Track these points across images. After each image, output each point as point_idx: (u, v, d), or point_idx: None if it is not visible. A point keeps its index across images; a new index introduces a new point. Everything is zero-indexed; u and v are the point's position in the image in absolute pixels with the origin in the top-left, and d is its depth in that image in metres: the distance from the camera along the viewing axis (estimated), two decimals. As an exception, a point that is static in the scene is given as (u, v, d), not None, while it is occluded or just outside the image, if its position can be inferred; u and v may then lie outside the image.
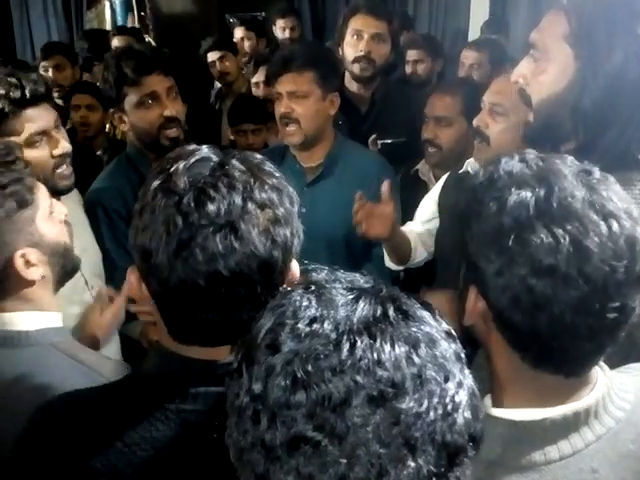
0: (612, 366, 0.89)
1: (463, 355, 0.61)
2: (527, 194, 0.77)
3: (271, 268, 0.80)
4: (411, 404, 0.54)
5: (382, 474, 0.53)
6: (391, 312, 0.59)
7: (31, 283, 1.16)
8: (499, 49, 3.24)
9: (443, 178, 2.06)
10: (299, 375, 0.55)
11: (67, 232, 1.25)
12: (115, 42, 4.15)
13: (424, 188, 2.26)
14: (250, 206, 0.78)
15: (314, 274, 0.65)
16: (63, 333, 1.21)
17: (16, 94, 1.46)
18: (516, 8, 4.25)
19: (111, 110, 1.96)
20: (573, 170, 0.80)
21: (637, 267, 0.76)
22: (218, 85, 3.95)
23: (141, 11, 6.17)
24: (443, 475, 0.55)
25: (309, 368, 0.55)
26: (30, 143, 1.50)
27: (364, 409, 0.53)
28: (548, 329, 0.77)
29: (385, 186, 1.80)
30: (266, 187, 0.81)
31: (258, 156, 0.86)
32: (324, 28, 5.61)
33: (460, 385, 0.58)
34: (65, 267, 1.25)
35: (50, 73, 3.61)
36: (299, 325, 0.58)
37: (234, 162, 0.81)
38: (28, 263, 1.15)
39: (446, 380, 0.57)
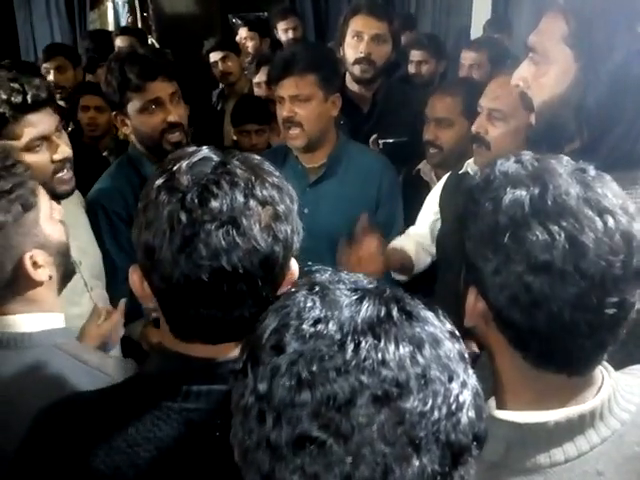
0: (615, 366, 0.89)
1: (467, 355, 0.62)
2: (522, 192, 0.78)
3: (272, 264, 0.82)
4: (415, 403, 0.54)
5: (387, 473, 0.53)
6: (395, 312, 0.59)
7: (38, 284, 1.18)
8: (499, 48, 3.23)
9: (443, 179, 2.06)
10: (304, 375, 0.55)
11: (65, 232, 1.26)
12: (118, 42, 4.15)
13: (426, 188, 2.26)
14: (252, 203, 0.80)
15: (318, 275, 0.66)
16: (66, 334, 1.22)
17: (17, 99, 1.47)
18: (519, 6, 4.23)
19: (114, 113, 1.97)
20: (568, 169, 0.81)
21: (634, 262, 0.77)
22: (221, 86, 3.94)
23: (144, 12, 6.18)
24: (447, 474, 0.55)
25: (314, 368, 0.55)
26: (30, 148, 1.51)
27: (369, 409, 0.54)
28: (547, 327, 0.77)
29: (362, 220, 1.78)
30: (267, 185, 0.83)
31: (258, 157, 0.89)
32: (327, 28, 5.60)
33: (464, 385, 0.58)
34: (67, 267, 1.26)
35: (52, 75, 3.62)
36: (303, 326, 0.58)
37: (235, 161, 0.84)
38: (36, 264, 1.16)
39: (450, 380, 0.57)
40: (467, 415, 0.57)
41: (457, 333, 0.63)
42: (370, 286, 0.64)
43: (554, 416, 0.81)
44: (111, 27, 6.06)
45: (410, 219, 2.15)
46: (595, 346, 0.80)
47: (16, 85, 1.47)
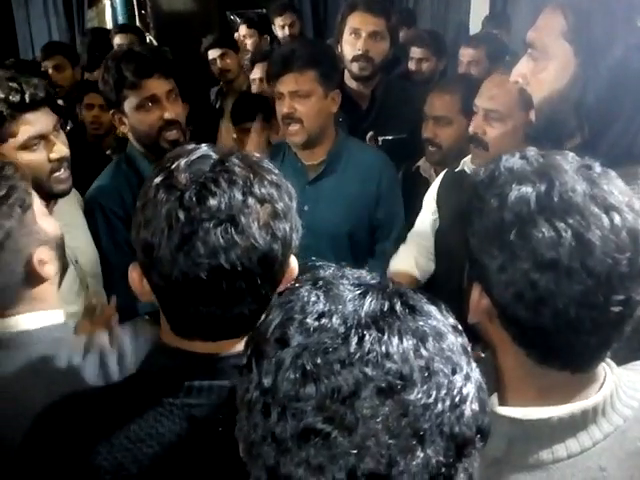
0: (619, 362, 0.89)
1: (469, 349, 0.62)
2: (528, 189, 0.78)
3: (271, 261, 0.82)
4: (419, 396, 0.55)
5: (392, 464, 0.54)
6: (398, 307, 0.60)
7: (45, 281, 1.18)
8: (497, 44, 3.22)
9: (439, 177, 2.05)
10: (308, 368, 0.56)
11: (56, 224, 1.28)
12: (117, 40, 4.13)
13: (425, 185, 2.26)
14: (250, 201, 0.80)
15: (321, 270, 0.66)
16: (65, 329, 1.22)
17: (15, 98, 1.48)
18: (517, 2, 4.22)
19: (111, 111, 1.97)
20: (574, 165, 0.81)
21: None
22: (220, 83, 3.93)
23: (142, 9, 6.16)
24: (452, 466, 0.56)
25: (318, 361, 0.56)
26: (27, 146, 1.53)
27: (373, 401, 0.54)
28: (552, 324, 0.77)
29: None
30: (265, 182, 0.83)
31: (257, 154, 0.89)
32: (325, 25, 5.60)
33: (467, 378, 0.59)
34: (64, 259, 1.27)
35: (50, 73, 3.60)
36: (307, 320, 0.59)
37: (234, 159, 0.84)
38: (42, 262, 1.17)
39: (454, 372, 0.58)
40: (471, 408, 0.57)
41: (460, 327, 0.64)
42: (373, 282, 0.64)
43: (557, 412, 0.81)
44: (109, 25, 6.05)
45: (409, 216, 2.15)
46: (599, 343, 0.80)
47: (14, 84, 1.49)
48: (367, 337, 0.57)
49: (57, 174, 1.58)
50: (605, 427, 0.83)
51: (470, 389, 0.58)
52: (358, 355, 0.56)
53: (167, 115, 1.88)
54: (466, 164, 1.92)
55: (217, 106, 3.80)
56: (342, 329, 0.57)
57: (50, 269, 1.18)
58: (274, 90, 2.05)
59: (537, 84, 1.23)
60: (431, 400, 0.55)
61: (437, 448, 0.55)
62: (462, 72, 3.12)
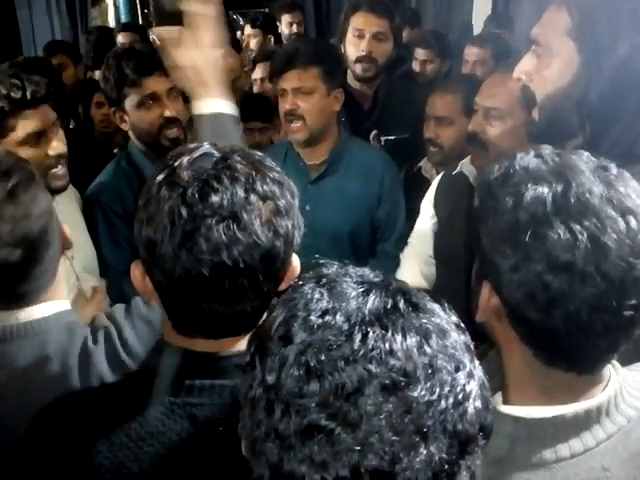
0: (624, 362, 0.89)
1: (472, 347, 0.62)
2: (544, 189, 0.77)
3: (273, 258, 0.83)
4: (423, 393, 0.55)
5: (395, 461, 0.54)
6: (402, 304, 0.60)
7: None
8: (502, 44, 3.20)
9: (436, 180, 2.04)
10: (312, 365, 0.56)
11: None
12: (120, 39, 4.14)
13: (427, 185, 2.26)
14: (252, 198, 0.81)
15: (325, 268, 0.67)
16: (74, 314, 1.24)
17: (17, 95, 1.52)
18: (519, 2, 4.21)
19: (112, 109, 1.98)
20: (590, 166, 0.80)
21: None
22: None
23: (145, 8, 6.16)
24: (455, 463, 0.56)
25: (322, 358, 0.56)
26: (26, 142, 1.57)
27: (377, 398, 0.55)
28: (563, 326, 0.76)
29: None
30: (268, 180, 0.84)
31: (258, 153, 0.89)
32: (327, 25, 5.59)
33: (471, 375, 0.59)
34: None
35: (54, 71, 3.60)
36: (311, 317, 0.59)
37: (236, 157, 0.84)
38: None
39: (457, 370, 0.58)
40: (474, 405, 0.58)
41: (462, 325, 0.64)
42: (376, 280, 0.64)
43: (560, 411, 0.81)
44: (112, 24, 6.05)
45: (411, 216, 2.15)
46: (608, 346, 0.80)
47: (16, 81, 1.53)
48: (371, 334, 0.57)
49: (54, 170, 1.61)
50: (609, 427, 0.83)
51: (473, 386, 0.58)
52: (362, 352, 0.56)
53: (168, 113, 1.89)
54: (464, 166, 1.91)
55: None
56: (346, 326, 0.58)
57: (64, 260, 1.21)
58: (277, 87, 2.05)
59: (540, 81, 1.23)
60: (434, 397, 0.55)
61: (440, 445, 0.55)
62: (467, 72, 3.10)
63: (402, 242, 2.11)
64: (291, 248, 0.86)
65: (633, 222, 0.75)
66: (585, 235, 0.73)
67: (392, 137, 2.52)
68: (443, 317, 0.62)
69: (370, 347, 0.56)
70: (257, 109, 2.87)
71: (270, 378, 0.58)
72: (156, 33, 1.29)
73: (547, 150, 0.83)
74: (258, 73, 3.29)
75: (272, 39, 4.21)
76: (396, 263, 2.10)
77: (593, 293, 0.74)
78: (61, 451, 0.87)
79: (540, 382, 0.83)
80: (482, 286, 0.84)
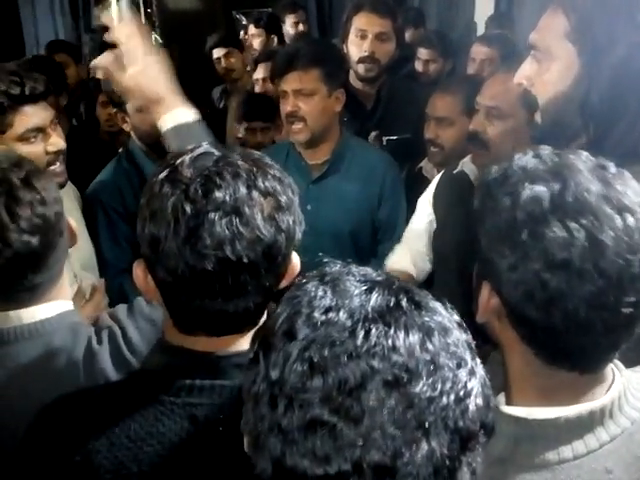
0: (628, 364, 0.89)
1: (474, 345, 0.63)
2: (541, 188, 0.78)
3: (275, 253, 0.84)
4: (425, 389, 0.56)
5: (397, 456, 0.55)
6: (404, 302, 0.61)
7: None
8: (509, 44, 3.18)
9: (436, 178, 2.04)
10: (316, 360, 0.57)
11: None
12: (122, 38, 4.13)
13: (428, 185, 2.24)
14: (254, 193, 0.82)
15: (328, 267, 0.68)
16: (77, 314, 1.24)
17: (16, 91, 1.54)
18: (522, 2, 4.20)
19: (114, 110, 2.00)
20: (588, 165, 0.81)
21: None
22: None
23: (147, 8, 6.16)
24: (456, 458, 0.57)
25: (325, 353, 0.57)
26: (25, 138, 1.58)
27: (379, 393, 0.55)
28: (562, 324, 0.77)
29: None
30: (269, 176, 0.85)
31: (257, 152, 0.91)
32: (330, 24, 5.59)
33: (472, 373, 0.60)
34: None
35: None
36: (314, 314, 0.60)
37: (236, 155, 0.86)
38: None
39: (458, 367, 0.59)
40: (475, 402, 0.58)
41: (464, 324, 0.65)
42: (379, 278, 0.65)
43: (563, 413, 0.82)
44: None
45: (412, 217, 2.13)
46: (609, 344, 0.80)
47: (15, 77, 1.55)
48: (374, 331, 0.58)
49: (53, 167, 1.63)
50: (612, 429, 0.83)
51: (474, 384, 0.59)
52: (365, 348, 0.57)
53: None
54: (465, 165, 1.91)
55: (221, 105, 3.80)
56: (349, 323, 0.59)
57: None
58: (278, 89, 2.06)
59: (542, 85, 1.23)
60: (436, 393, 0.56)
61: (441, 441, 0.56)
62: (474, 70, 3.07)
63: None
64: (292, 243, 0.87)
65: (630, 219, 0.75)
66: (582, 233, 0.74)
67: (394, 137, 2.53)
68: (445, 315, 0.63)
69: (373, 343, 0.57)
70: (259, 109, 2.88)
71: (274, 373, 0.59)
72: (92, 66, 1.32)
73: (546, 150, 0.84)
74: (260, 73, 3.30)
75: (275, 39, 4.20)
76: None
77: (591, 291, 0.75)
78: (61, 451, 0.87)
79: (542, 382, 0.84)
80: (482, 287, 0.84)
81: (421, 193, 2.16)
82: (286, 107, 2.01)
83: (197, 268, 0.80)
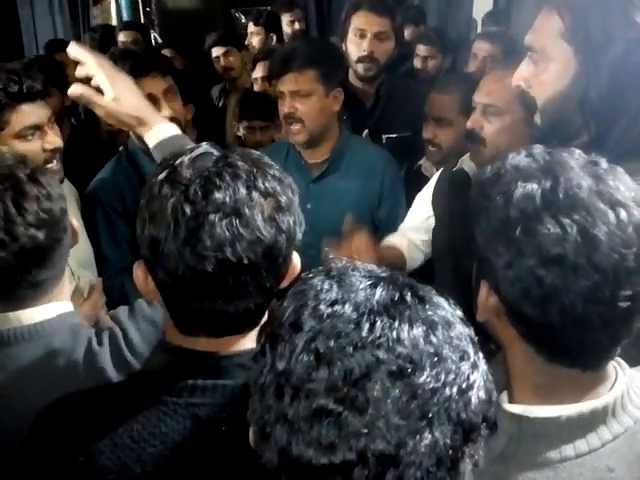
0: (630, 362, 0.90)
1: (476, 340, 0.65)
2: (533, 186, 0.80)
3: (276, 254, 0.84)
4: (428, 379, 0.58)
5: (401, 445, 0.56)
6: (409, 297, 0.63)
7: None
8: (511, 41, 3.16)
9: (435, 177, 2.04)
10: (322, 351, 0.59)
11: None
12: (121, 37, 4.14)
13: (427, 183, 2.24)
14: (254, 194, 0.83)
15: (333, 263, 0.69)
16: (77, 315, 1.24)
17: (14, 89, 1.56)
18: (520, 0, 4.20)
19: None
20: (580, 162, 0.83)
21: None
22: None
23: (147, 6, 6.17)
24: (458, 449, 0.59)
25: (331, 344, 0.59)
26: (22, 136, 1.61)
27: (384, 383, 0.57)
28: (560, 320, 0.78)
29: (348, 219, 1.79)
30: (268, 177, 0.86)
31: (256, 152, 0.92)
32: (329, 23, 5.58)
33: (475, 366, 0.61)
34: None
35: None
36: (320, 306, 0.62)
37: (235, 155, 0.87)
38: None
39: (461, 360, 0.60)
40: (477, 395, 0.60)
41: (466, 320, 0.66)
42: (384, 274, 0.67)
43: (566, 411, 0.83)
44: (114, 22, 6.05)
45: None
46: (609, 339, 0.82)
47: (13, 76, 1.57)
48: (379, 323, 0.59)
49: (50, 165, 1.64)
50: (615, 428, 0.84)
51: (477, 377, 0.61)
52: (370, 339, 0.58)
53: (165, 113, 1.90)
54: (464, 162, 1.91)
55: (220, 104, 3.79)
56: (354, 315, 0.60)
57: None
58: (275, 89, 2.07)
59: (539, 86, 1.24)
60: (439, 384, 0.58)
61: (444, 431, 0.57)
62: (476, 67, 3.05)
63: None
64: (292, 244, 0.88)
65: (623, 214, 0.77)
66: (574, 228, 0.75)
67: (394, 135, 2.54)
68: (449, 310, 0.64)
69: (378, 335, 0.59)
70: (258, 108, 2.88)
71: (280, 364, 0.61)
72: (70, 93, 1.34)
73: (538, 149, 0.86)
74: (259, 72, 3.31)
75: (274, 37, 4.20)
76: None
77: (587, 285, 0.76)
78: (63, 452, 0.87)
79: (544, 380, 0.85)
80: (481, 286, 0.86)
81: (420, 191, 2.16)
82: (283, 108, 2.02)
83: (197, 269, 0.81)
